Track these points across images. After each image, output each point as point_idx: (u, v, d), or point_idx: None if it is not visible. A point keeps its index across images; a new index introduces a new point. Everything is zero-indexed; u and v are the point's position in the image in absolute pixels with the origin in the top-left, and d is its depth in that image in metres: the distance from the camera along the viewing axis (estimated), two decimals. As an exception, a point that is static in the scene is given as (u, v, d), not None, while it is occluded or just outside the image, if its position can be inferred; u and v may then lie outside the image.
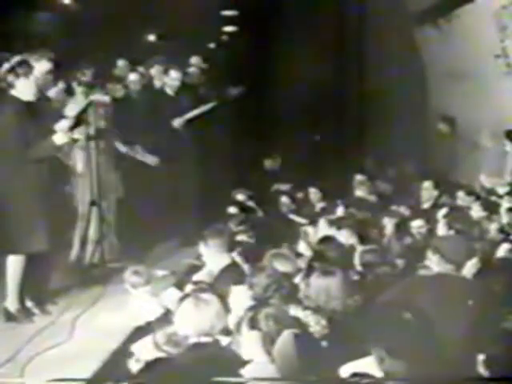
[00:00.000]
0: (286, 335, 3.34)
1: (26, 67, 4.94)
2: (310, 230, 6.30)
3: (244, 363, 3.38)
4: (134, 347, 3.95)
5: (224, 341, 3.66)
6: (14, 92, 5.01)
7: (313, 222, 6.65)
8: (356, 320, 3.76)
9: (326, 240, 5.19)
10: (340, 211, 6.79)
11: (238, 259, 5.09)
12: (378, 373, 3.11)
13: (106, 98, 6.48)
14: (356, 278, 4.59)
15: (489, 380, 3.18)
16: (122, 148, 6.86)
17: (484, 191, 7.12)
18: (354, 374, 3.13)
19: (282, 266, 4.45)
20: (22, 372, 4.20)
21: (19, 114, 4.95)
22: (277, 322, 3.46)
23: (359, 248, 5.12)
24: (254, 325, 3.49)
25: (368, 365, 3.16)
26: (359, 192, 7.86)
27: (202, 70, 8.27)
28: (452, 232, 5.34)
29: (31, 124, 4.97)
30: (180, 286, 4.91)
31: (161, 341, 3.62)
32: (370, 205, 7.37)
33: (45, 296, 5.38)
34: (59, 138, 5.02)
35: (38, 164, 5.03)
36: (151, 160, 7.11)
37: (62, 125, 5.12)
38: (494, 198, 6.62)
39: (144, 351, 3.78)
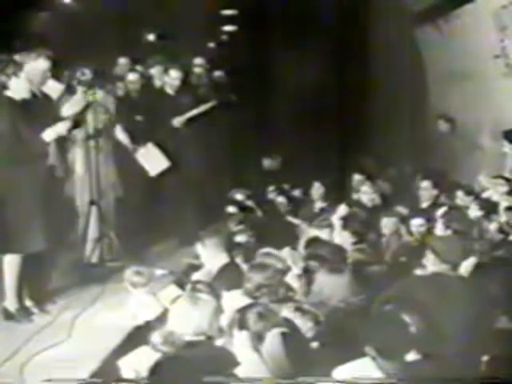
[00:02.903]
0: (273, 334, 3.35)
1: (13, 67, 4.94)
2: (309, 229, 6.30)
3: (238, 363, 3.39)
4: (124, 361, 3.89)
5: (218, 340, 3.67)
6: (8, 93, 5.01)
7: (313, 223, 6.64)
8: (349, 319, 3.76)
9: (314, 240, 5.21)
10: (343, 210, 6.76)
11: (237, 259, 5.09)
12: (375, 372, 3.11)
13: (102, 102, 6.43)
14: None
15: (489, 380, 3.18)
16: (129, 145, 6.77)
17: (483, 191, 7.11)
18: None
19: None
20: (20, 371, 4.18)
21: (14, 114, 4.94)
22: (265, 321, 3.48)
23: (350, 247, 5.13)
24: (243, 325, 3.50)
25: (365, 365, 3.16)
26: (360, 191, 7.83)
27: (206, 70, 8.29)
28: (449, 232, 5.35)
29: (28, 124, 4.97)
30: (179, 285, 4.92)
31: (157, 341, 3.62)
32: (371, 203, 7.38)
33: (44, 295, 5.38)
34: (49, 134, 5.01)
35: (36, 163, 5.03)
36: (160, 166, 6.94)
37: (60, 126, 5.13)
38: (493, 198, 6.62)
39: (138, 361, 3.73)
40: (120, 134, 6.65)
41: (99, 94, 6.37)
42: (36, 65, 4.99)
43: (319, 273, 4.11)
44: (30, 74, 4.97)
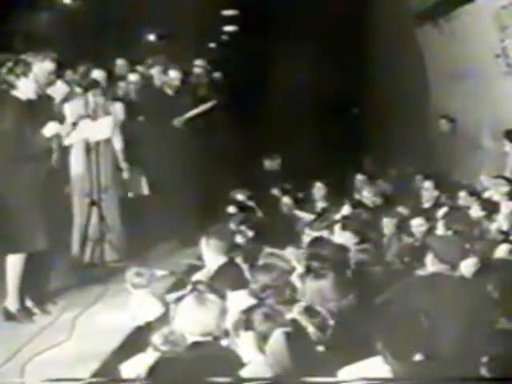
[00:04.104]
0: (277, 334, 3.35)
1: (23, 66, 4.95)
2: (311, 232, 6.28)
3: (243, 363, 3.39)
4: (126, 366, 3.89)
5: (224, 341, 3.67)
6: (15, 92, 5.02)
7: (318, 216, 6.65)
8: (353, 320, 3.76)
9: (317, 240, 5.21)
10: (346, 210, 6.76)
11: (237, 258, 5.10)
12: (383, 371, 3.11)
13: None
14: (349, 276, 4.58)
15: (488, 380, 3.18)
16: (122, 162, 6.74)
17: (485, 191, 7.11)
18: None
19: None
20: (21, 372, 4.18)
21: (19, 114, 4.96)
22: (270, 321, 3.48)
23: (353, 247, 5.12)
24: (248, 326, 3.50)
25: (373, 365, 3.16)
26: (363, 192, 7.84)
27: (206, 70, 8.30)
28: (450, 232, 5.35)
29: (31, 123, 4.97)
30: (180, 286, 4.92)
31: (158, 342, 3.62)
32: (372, 205, 7.38)
33: (45, 296, 5.38)
34: (49, 130, 5.01)
35: (38, 163, 5.03)
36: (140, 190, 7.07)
37: (65, 129, 5.17)
38: (493, 198, 6.61)
39: (140, 365, 3.73)
40: (116, 143, 6.64)
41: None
42: (43, 66, 5.01)
43: (307, 279, 4.11)
44: (38, 74, 4.99)
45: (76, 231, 6.35)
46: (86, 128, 5.84)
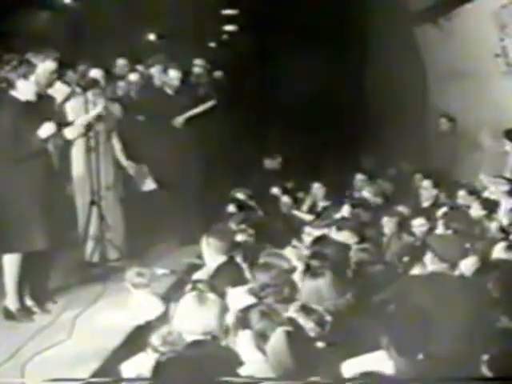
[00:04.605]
0: (279, 333, 3.35)
1: (27, 67, 4.95)
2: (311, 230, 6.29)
3: (242, 362, 3.40)
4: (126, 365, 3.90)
5: (223, 340, 3.67)
6: (13, 92, 5.01)
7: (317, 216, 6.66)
8: (353, 318, 3.77)
9: (321, 239, 5.21)
10: (345, 210, 6.77)
11: (237, 257, 5.10)
12: (385, 366, 3.11)
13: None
14: (350, 275, 4.59)
15: (489, 380, 3.18)
16: (124, 161, 6.73)
17: (484, 190, 7.12)
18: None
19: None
20: (22, 371, 4.19)
21: (16, 114, 4.94)
22: (267, 319, 3.48)
23: (354, 246, 5.13)
24: (246, 324, 3.51)
25: (375, 359, 3.17)
26: (363, 192, 7.84)
27: (206, 70, 8.31)
28: (449, 231, 5.36)
29: (29, 124, 4.97)
30: (180, 285, 4.92)
31: (157, 343, 3.62)
32: (373, 204, 7.38)
33: (45, 295, 5.37)
34: (44, 131, 5.00)
35: (36, 163, 5.03)
36: (147, 186, 7.07)
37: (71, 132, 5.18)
38: (493, 197, 6.62)
39: (140, 365, 3.74)
40: (116, 144, 6.64)
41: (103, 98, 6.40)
42: (45, 66, 5.01)
43: (304, 278, 4.12)
44: (40, 75, 4.99)
45: (78, 230, 6.36)
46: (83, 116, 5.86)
